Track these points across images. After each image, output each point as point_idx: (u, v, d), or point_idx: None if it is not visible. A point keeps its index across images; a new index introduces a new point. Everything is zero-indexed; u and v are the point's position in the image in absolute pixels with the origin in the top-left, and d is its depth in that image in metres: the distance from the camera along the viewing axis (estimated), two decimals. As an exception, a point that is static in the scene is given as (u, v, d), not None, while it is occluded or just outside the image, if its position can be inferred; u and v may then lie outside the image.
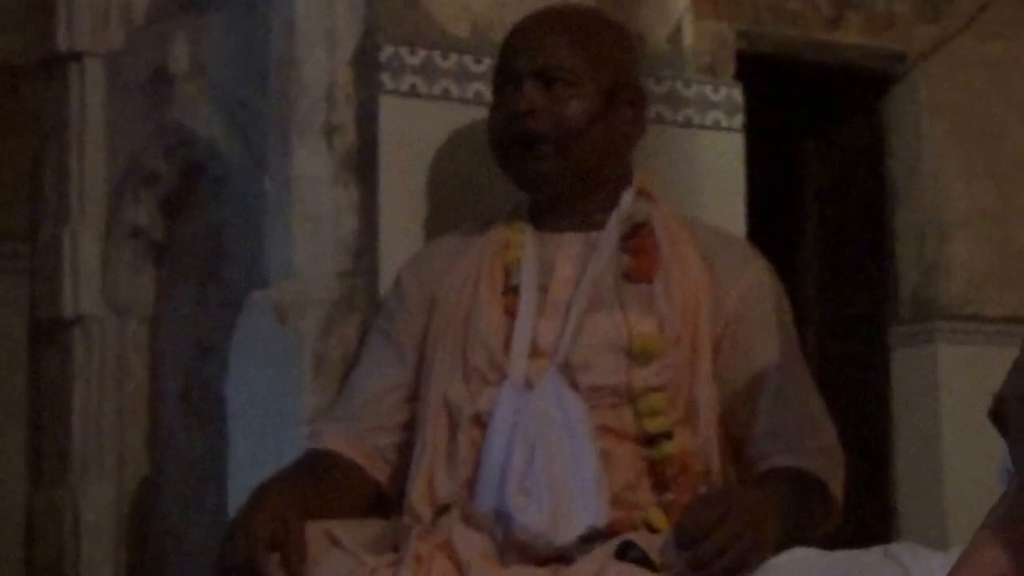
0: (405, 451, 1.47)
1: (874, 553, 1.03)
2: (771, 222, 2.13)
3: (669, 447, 1.39)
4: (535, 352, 1.42)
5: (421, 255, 1.55)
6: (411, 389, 1.48)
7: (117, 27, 2.00)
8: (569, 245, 1.47)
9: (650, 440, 1.40)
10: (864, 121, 2.43)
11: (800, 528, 1.33)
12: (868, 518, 2.21)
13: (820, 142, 2.50)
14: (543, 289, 1.45)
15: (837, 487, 1.43)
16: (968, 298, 2.35)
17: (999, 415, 0.49)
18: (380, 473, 1.48)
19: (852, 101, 2.43)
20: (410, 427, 1.47)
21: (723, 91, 1.78)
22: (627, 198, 1.48)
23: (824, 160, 2.51)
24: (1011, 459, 0.48)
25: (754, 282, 1.46)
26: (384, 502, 1.48)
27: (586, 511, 1.36)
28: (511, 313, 1.44)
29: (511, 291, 1.45)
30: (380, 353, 1.51)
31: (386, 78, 1.63)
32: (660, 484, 1.39)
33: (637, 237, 1.46)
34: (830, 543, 1.25)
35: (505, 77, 1.48)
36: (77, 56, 2.02)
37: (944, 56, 2.35)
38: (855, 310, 2.43)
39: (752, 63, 2.09)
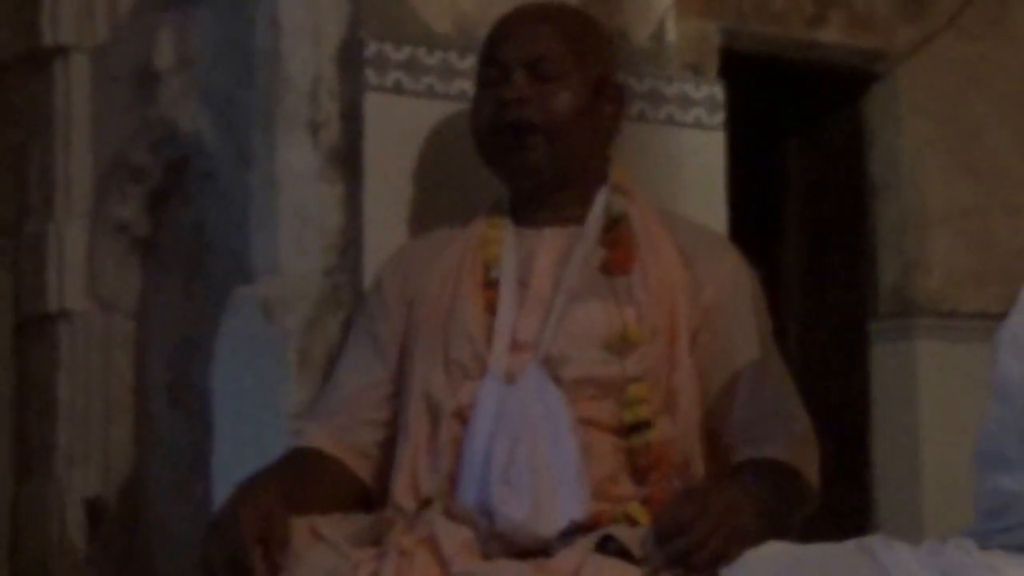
0: (386, 448, 1.48)
1: (848, 546, 1.05)
2: (754, 218, 2.15)
3: (648, 436, 1.41)
4: (516, 346, 1.43)
5: (400, 253, 1.56)
6: (392, 386, 1.49)
7: (102, 21, 2.00)
8: (548, 239, 1.48)
9: (630, 431, 1.42)
10: (845, 119, 2.44)
11: (777, 518, 1.35)
12: (846, 511, 2.23)
13: (802, 139, 2.52)
14: (523, 283, 1.46)
15: (812, 473, 1.45)
16: (947, 294, 2.37)
17: None
18: (362, 469, 1.49)
19: (834, 99, 2.44)
20: (391, 424, 1.48)
21: (705, 89, 1.80)
22: (604, 193, 1.50)
23: (806, 157, 2.52)
24: None
25: (730, 274, 1.47)
26: (366, 498, 1.49)
27: (568, 503, 1.37)
28: (492, 307, 1.45)
29: (491, 286, 1.47)
30: (360, 351, 1.52)
31: (371, 74, 1.63)
32: (638, 475, 1.41)
33: (615, 231, 1.48)
34: (807, 534, 1.27)
35: (491, 67, 1.49)
36: (62, 50, 2.01)
37: (925, 55, 2.37)
38: (836, 305, 2.46)
39: (735, 61, 2.10)
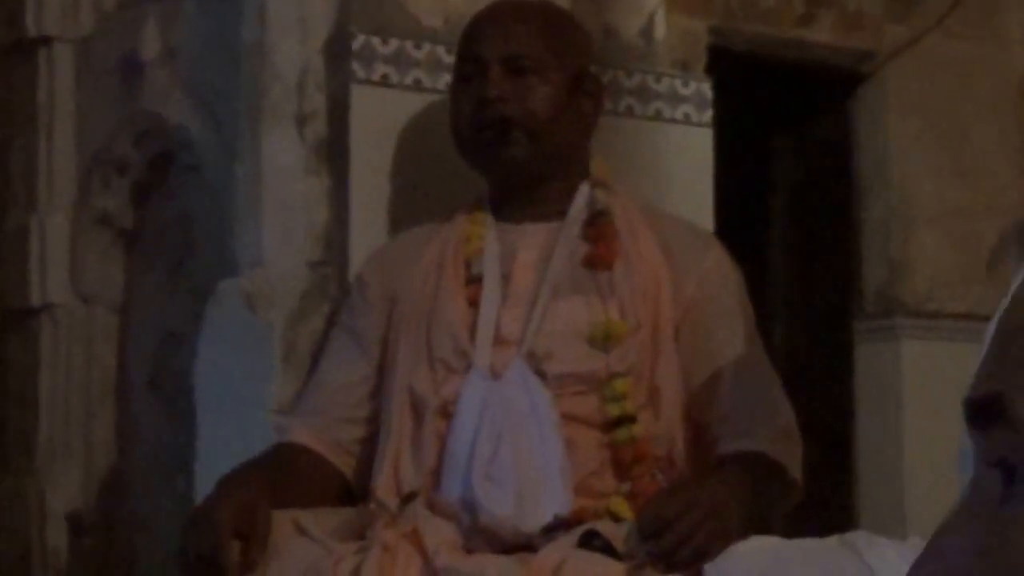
0: (369, 445, 1.48)
1: (831, 541, 1.05)
2: (741, 217, 2.14)
3: (632, 430, 1.40)
4: (499, 341, 1.43)
5: (382, 251, 1.56)
6: (374, 384, 1.49)
7: (87, 12, 1.99)
8: (530, 235, 1.48)
9: (614, 425, 1.41)
10: (833, 118, 2.44)
11: (761, 513, 1.35)
12: (830, 510, 2.23)
13: (790, 139, 2.52)
14: (506, 278, 1.46)
15: (795, 467, 1.45)
16: (932, 294, 2.38)
17: (993, 406, 0.47)
18: (345, 465, 1.49)
19: (822, 98, 2.45)
20: (373, 421, 1.48)
21: (693, 85, 1.79)
22: (586, 187, 1.50)
23: (793, 156, 2.52)
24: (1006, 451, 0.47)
25: (713, 268, 1.47)
26: (349, 494, 1.48)
27: (552, 499, 1.37)
28: (475, 303, 1.45)
29: (474, 281, 1.46)
30: (343, 348, 1.51)
31: (358, 67, 1.63)
32: (622, 470, 1.40)
33: (597, 225, 1.47)
34: (791, 532, 1.27)
35: (469, 64, 1.49)
36: (46, 41, 2.00)
37: (913, 55, 2.37)
38: (821, 305, 2.46)
39: (724, 59, 2.10)
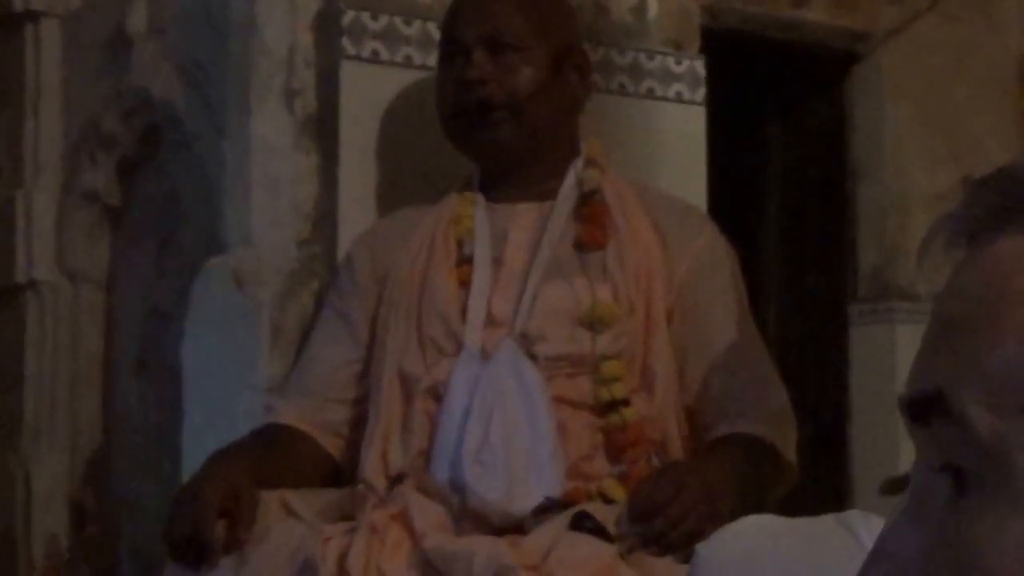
0: (358, 426, 1.47)
1: (827, 520, 1.04)
2: (734, 200, 2.13)
3: (624, 414, 1.39)
4: (491, 322, 1.42)
5: (372, 230, 1.54)
6: (363, 365, 1.48)
7: (75, -13, 1.97)
8: (521, 215, 1.47)
9: (606, 409, 1.40)
10: (827, 101, 2.43)
11: (754, 496, 1.34)
12: (824, 494, 2.22)
13: (783, 121, 2.51)
14: (497, 259, 1.45)
15: (789, 451, 1.44)
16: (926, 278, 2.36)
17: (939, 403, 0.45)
18: (333, 447, 1.48)
19: (816, 80, 2.43)
20: (363, 402, 1.47)
21: (686, 63, 1.78)
22: (577, 166, 1.48)
23: (787, 139, 2.51)
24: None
25: (705, 248, 1.46)
26: (337, 476, 1.47)
27: (542, 482, 1.36)
28: (465, 284, 1.44)
29: (465, 262, 1.45)
30: (332, 329, 1.50)
31: (347, 43, 1.61)
32: (615, 454, 1.39)
33: (588, 205, 1.46)
34: (785, 516, 1.25)
35: (452, 47, 1.47)
36: (34, 16, 1.98)
37: (907, 37, 2.35)
38: (815, 288, 2.45)
39: (717, 39, 2.08)
